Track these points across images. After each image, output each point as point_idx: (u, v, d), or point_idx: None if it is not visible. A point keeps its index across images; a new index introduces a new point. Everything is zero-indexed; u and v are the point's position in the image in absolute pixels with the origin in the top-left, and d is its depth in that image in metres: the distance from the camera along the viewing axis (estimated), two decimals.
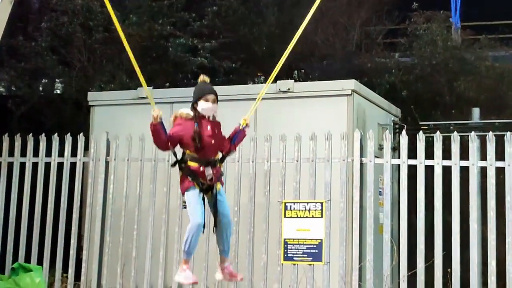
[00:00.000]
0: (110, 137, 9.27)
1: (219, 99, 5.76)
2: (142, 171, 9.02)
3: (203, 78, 5.84)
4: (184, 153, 5.69)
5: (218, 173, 5.71)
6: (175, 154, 5.74)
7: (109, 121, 9.92)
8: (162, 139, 5.59)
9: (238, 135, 5.82)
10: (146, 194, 8.96)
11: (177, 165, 5.71)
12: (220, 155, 5.78)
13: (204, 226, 5.60)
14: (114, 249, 8.99)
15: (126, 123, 9.63)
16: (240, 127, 5.78)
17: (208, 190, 5.68)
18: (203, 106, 5.67)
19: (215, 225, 5.71)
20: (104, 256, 9.01)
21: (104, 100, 10.30)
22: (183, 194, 5.69)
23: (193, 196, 5.62)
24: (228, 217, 5.74)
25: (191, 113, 5.68)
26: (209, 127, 5.67)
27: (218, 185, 5.72)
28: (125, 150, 9.13)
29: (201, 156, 5.60)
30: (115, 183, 9.14)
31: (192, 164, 5.61)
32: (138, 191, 8.99)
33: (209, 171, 5.60)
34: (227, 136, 5.82)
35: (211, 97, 5.69)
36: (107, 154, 9.23)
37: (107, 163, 9.23)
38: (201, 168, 5.59)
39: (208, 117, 5.72)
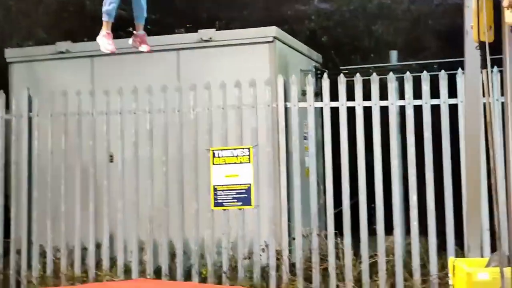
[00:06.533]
0: (31, 93, 9.11)
1: None
2: (67, 125, 8.94)
3: None
4: None
5: None
6: None
7: (30, 77, 9.72)
8: None
9: None
10: (72, 149, 8.90)
11: None
12: None
13: None
14: (42, 205, 8.93)
15: (47, 79, 9.48)
16: None
17: None
18: None
19: None
20: (33, 212, 8.95)
21: (22, 56, 10.06)
22: None
23: None
24: None
25: None
26: None
27: None
28: (48, 105, 9.01)
29: None
30: (39, 139, 9.03)
31: None
32: (63, 146, 8.92)
33: None
34: None
35: None
36: (30, 110, 9.09)
37: (30, 119, 9.10)
38: None
39: None
